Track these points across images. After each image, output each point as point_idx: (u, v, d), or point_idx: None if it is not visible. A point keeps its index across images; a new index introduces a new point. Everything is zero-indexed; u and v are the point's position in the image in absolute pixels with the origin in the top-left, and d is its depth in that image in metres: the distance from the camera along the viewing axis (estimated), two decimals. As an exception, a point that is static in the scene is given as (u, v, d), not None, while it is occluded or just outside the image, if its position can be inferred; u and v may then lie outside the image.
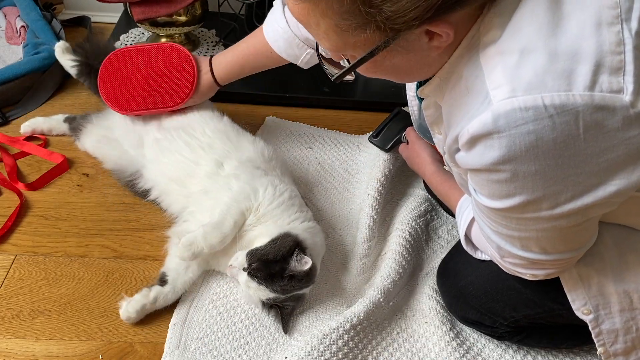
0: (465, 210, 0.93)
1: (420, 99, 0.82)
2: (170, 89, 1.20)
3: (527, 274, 0.79)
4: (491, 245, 0.78)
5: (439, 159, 1.10)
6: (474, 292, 0.96)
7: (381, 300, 1.02)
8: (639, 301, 0.79)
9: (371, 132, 1.33)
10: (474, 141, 0.62)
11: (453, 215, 1.24)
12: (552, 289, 0.84)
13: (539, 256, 0.73)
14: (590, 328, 0.82)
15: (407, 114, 1.21)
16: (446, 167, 0.96)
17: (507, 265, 0.80)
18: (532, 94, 0.57)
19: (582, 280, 0.80)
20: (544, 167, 0.60)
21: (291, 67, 1.19)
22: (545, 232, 0.69)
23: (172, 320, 0.99)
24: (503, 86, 0.58)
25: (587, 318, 0.81)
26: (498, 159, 0.60)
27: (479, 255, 0.94)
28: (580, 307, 0.81)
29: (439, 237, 1.22)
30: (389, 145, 1.29)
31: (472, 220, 0.90)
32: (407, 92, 1.03)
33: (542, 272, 0.78)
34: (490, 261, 0.87)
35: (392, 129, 1.30)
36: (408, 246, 1.13)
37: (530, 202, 0.64)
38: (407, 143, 1.21)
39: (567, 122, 0.57)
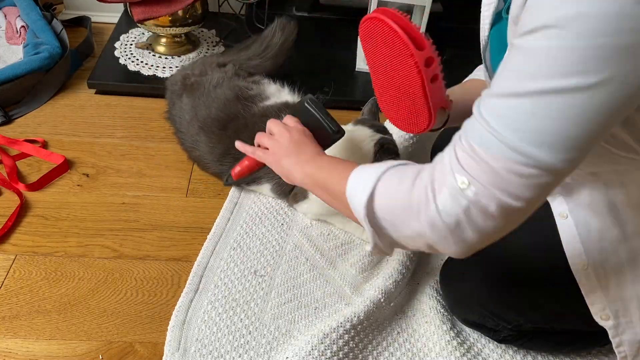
0: (367, 177, 0.70)
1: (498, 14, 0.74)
2: None
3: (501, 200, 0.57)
4: (463, 134, 0.60)
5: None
6: (477, 295, 0.95)
7: (382, 300, 1.02)
8: None
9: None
10: None
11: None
12: (558, 290, 0.83)
13: (527, 148, 0.55)
14: (610, 336, 0.79)
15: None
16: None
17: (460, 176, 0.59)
18: None
19: (599, 281, 0.77)
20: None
21: (290, 67, 1.19)
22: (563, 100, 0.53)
23: (170, 322, 0.99)
24: None
25: (606, 324, 0.79)
26: None
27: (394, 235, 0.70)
28: (599, 311, 0.79)
29: (439, 237, 1.22)
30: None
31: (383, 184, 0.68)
32: (482, 11, 0.83)
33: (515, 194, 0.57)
34: (495, 263, 0.85)
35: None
36: None
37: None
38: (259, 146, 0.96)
39: None
